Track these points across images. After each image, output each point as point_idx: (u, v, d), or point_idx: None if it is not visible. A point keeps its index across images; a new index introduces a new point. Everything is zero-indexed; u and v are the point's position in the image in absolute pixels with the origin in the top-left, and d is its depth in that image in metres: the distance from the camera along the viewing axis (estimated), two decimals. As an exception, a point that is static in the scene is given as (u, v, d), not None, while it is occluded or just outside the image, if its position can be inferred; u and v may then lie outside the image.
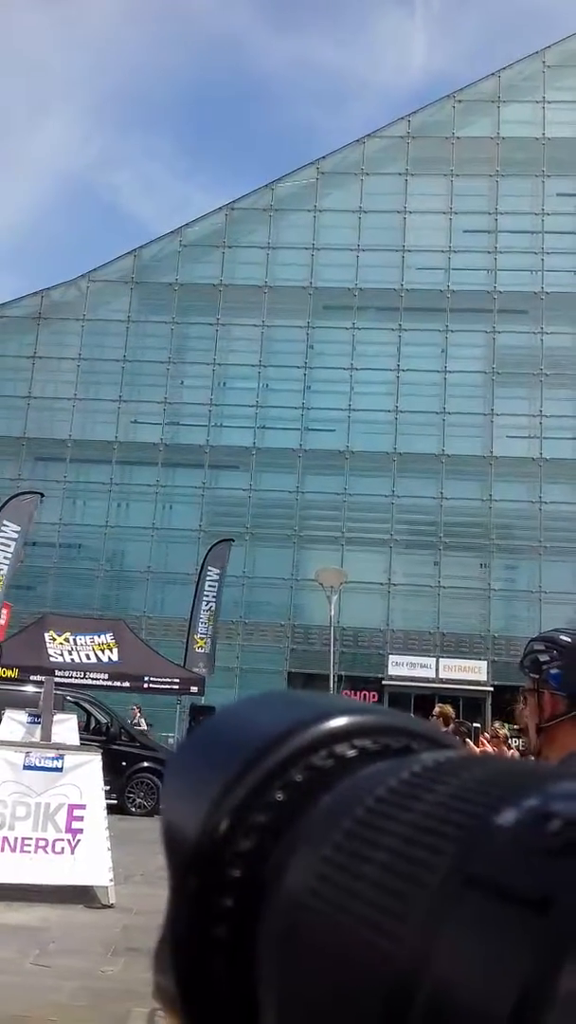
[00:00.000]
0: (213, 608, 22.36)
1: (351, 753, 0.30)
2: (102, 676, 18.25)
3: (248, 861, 0.28)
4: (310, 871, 0.26)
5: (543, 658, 2.06)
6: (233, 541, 21.46)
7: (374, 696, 28.03)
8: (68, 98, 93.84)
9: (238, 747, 0.30)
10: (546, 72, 33.63)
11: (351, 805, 0.27)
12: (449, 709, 11.79)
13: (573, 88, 33.19)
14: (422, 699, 25.65)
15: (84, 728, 13.96)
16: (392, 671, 28.43)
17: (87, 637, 18.88)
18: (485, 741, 10.67)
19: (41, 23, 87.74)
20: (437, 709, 12.00)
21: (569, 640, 2.08)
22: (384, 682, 28.21)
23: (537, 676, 2.05)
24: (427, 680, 27.83)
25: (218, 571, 22.64)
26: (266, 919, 0.27)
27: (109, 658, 18.54)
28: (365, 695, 28.12)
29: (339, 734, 0.30)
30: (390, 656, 28.71)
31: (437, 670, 28.25)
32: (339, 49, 74.78)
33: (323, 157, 34.29)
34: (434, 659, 28.50)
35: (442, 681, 27.70)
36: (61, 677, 15.01)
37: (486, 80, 34.08)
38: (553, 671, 2.02)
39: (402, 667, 28.42)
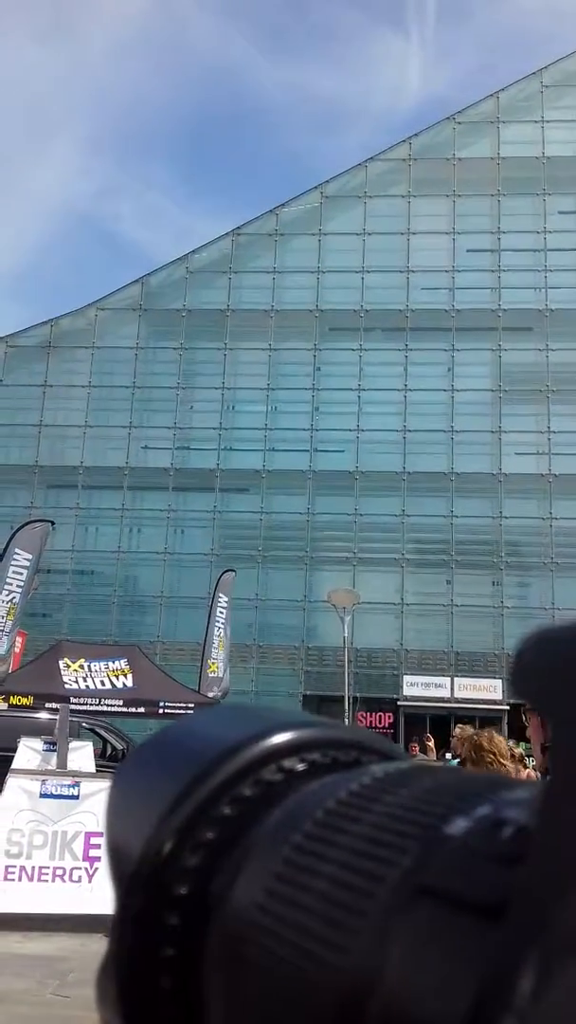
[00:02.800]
0: (222, 634, 22.40)
1: (300, 767, 0.30)
2: (117, 702, 18.27)
3: (195, 878, 0.28)
4: (258, 886, 0.26)
5: None
6: (235, 572, 21.46)
7: (389, 717, 27.95)
8: (71, 129, 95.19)
9: (186, 761, 0.30)
10: (544, 92, 33.94)
11: (300, 819, 0.27)
12: (470, 729, 11.76)
13: (571, 107, 33.48)
14: (438, 719, 25.55)
15: (100, 755, 13.99)
16: (407, 691, 28.33)
17: (101, 663, 18.89)
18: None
19: (43, 57, 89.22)
20: (458, 731, 11.95)
21: None
22: (399, 703, 28.10)
23: None
24: (442, 700, 27.72)
25: (226, 598, 22.71)
26: (213, 937, 0.26)
27: (124, 684, 18.56)
28: (381, 716, 28.05)
29: (288, 748, 0.30)
30: (405, 676, 28.61)
31: (452, 689, 28.13)
32: (337, 74, 75.66)
33: (326, 181, 34.64)
34: (449, 678, 28.39)
35: (457, 701, 27.58)
36: (76, 704, 15.06)
37: (485, 101, 34.43)
38: None
39: (417, 687, 28.32)
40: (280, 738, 0.30)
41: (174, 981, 0.27)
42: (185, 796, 0.29)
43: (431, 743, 12.23)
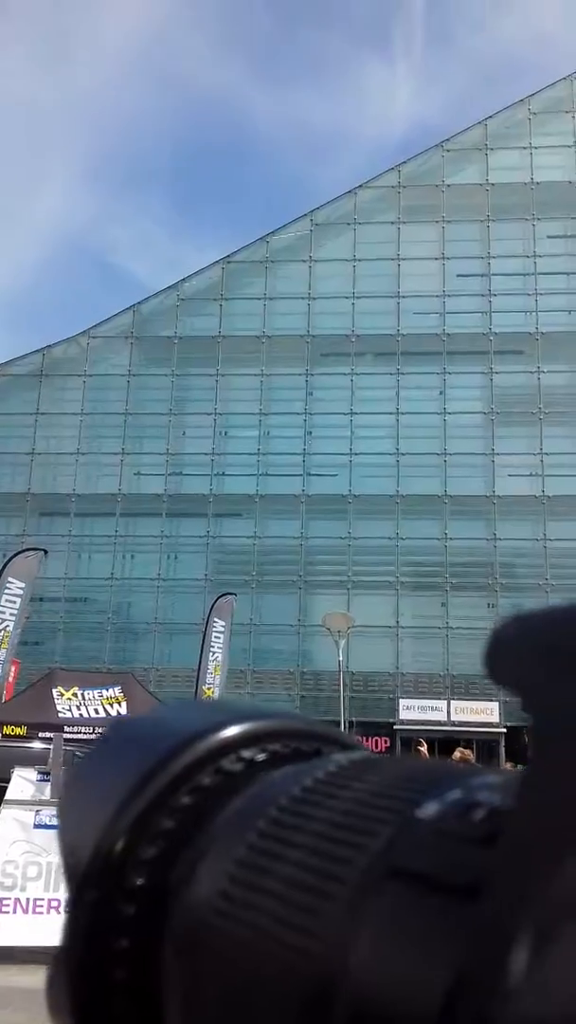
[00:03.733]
0: (219, 659, 22.26)
1: (261, 757, 0.30)
2: (111, 730, 18.10)
3: (153, 868, 0.27)
4: (220, 873, 0.25)
5: None
6: (236, 596, 21.40)
7: (386, 741, 27.73)
8: (65, 158, 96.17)
9: (143, 752, 0.30)
10: (532, 119, 34.44)
11: (264, 806, 0.26)
12: (469, 753, 11.64)
13: (559, 133, 33.98)
14: (435, 742, 25.37)
15: (94, 784, 13.83)
16: (403, 715, 28.16)
17: (95, 691, 18.78)
18: None
19: (40, 85, 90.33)
20: (458, 754, 11.81)
21: None
22: (396, 727, 27.93)
23: None
24: (439, 723, 27.54)
25: (224, 623, 22.59)
26: (172, 926, 0.26)
27: (118, 712, 18.43)
28: (377, 741, 27.83)
29: (248, 738, 0.30)
30: (401, 700, 28.45)
31: (449, 713, 27.97)
32: (326, 103, 76.76)
33: (316, 208, 34.98)
34: (445, 702, 28.24)
35: (454, 724, 27.41)
36: (70, 733, 14.91)
37: (473, 128, 34.90)
38: None
39: (413, 711, 28.15)
40: (239, 728, 0.30)
41: (129, 973, 0.26)
42: (142, 785, 0.28)
43: (423, 748, 11.98)
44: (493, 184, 33.72)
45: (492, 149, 34.22)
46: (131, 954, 0.26)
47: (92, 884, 0.27)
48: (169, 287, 34.98)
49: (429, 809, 0.22)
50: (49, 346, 34.29)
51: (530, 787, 0.19)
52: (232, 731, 0.30)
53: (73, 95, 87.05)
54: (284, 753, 0.30)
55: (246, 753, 0.30)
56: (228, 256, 35.01)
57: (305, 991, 0.20)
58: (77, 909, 0.28)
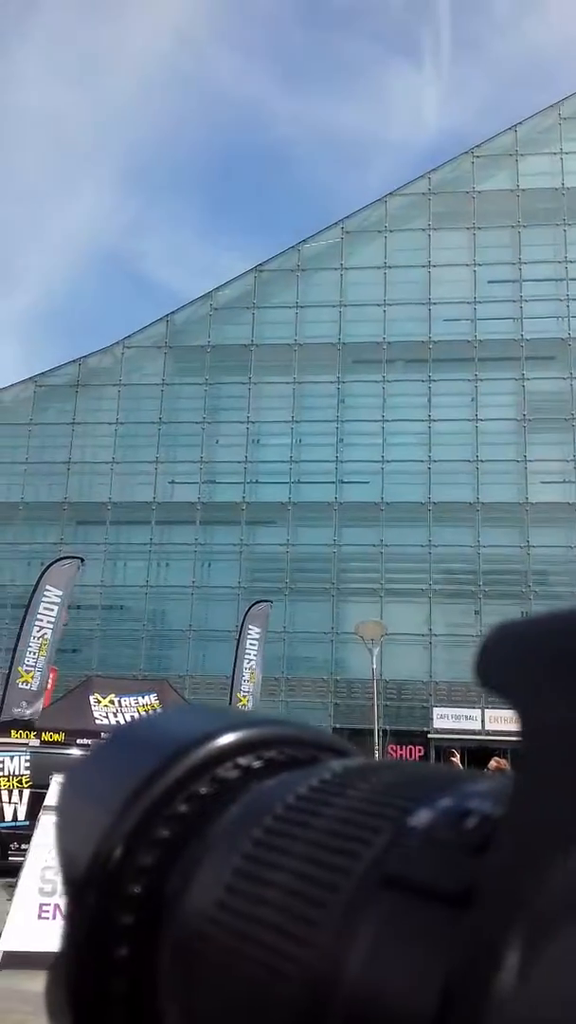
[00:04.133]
0: (254, 666, 22.46)
1: (257, 764, 0.30)
2: (147, 737, 18.37)
3: (150, 877, 0.27)
4: (217, 883, 0.25)
5: None
6: (272, 603, 21.55)
7: (420, 750, 27.73)
8: (96, 169, 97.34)
9: (139, 760, 0.29)
10: (562, 124, 34.33)
11: (260, 814, 0.26)
12: (505, 763, 11.65)
13: (590, 138, 33.83)
14: (469, 752, 25.33)
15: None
16: (437, 724, 28.14)
17: (131, 699, 19.09)
18: None
19: (70, 98, 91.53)
20: (493, 763, 11.77)
21: None
22: (429, 735, 27.91)
23: None
24: (473, 732, 27.49)
25: (259, 630, 22.78)
26: (169, 936, 0.26)
27: (154, 719, 18.66)
28: (411, 749, 27.85)
29: (244, 745, 0.30)
30: (435, 708, 28.44)
31: (483, 721, 27.90)
32: (355, 110, 76.82)
33: (347, 216, 35.15)
34: (479, 710, 28.17)
35: (488, 733, 27.32)
36: (107, 740, 15.21)
37: (503, 135, 34.87)
38: None
39: (447, 719, 28.12)
40: (236, 736, 0.30)
41: (127, 982, 0.26)
42: (139, 794, 0.28)
43: (455, 759, 11.85)
44: (524, 190, 33.65)
45: (522, 155, 34.16)
46: (129, 963, 0.26)
47: (90, 893, 0.27)
48: (202, 296, 35.35)
49: (422, 817, 0.22)
50: (84, 357, 34.81)
51: (520, 796, 0.19)
52: (228, 739, 0.30)
53: (103, 108, 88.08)
54: (280, 760, 0.30)
55: (242, 760, 0.30)
56: (260, 265, 35.30)
57: (300, 1000, 0.20)
58: (75, 918, 0.28)
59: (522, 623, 0.21)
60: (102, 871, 0.27)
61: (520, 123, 34.98)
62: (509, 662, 0.20)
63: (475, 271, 33.12)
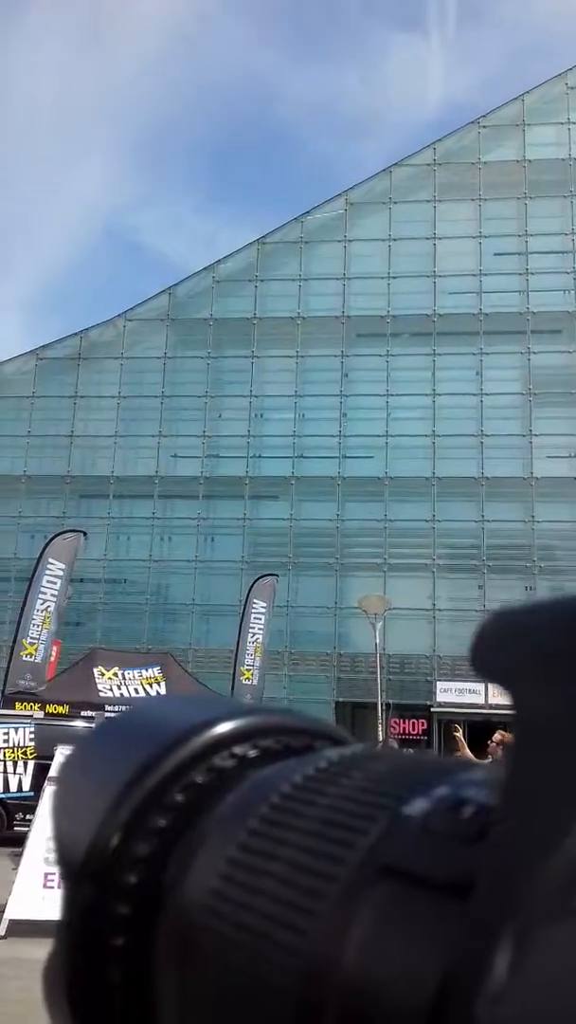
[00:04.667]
0: (259, 640, 22.45)
1: (253, 753, 0.30)
2: (151, 710, 18.37)
3: (146, 866, 0.27)
4: (213, 872, 0.25)
5: None
6: (278, 576, 21.48)
7: (423, 724, 27.80)
8: (97, 141, 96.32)
9: (135, 749, 0.29)
10: (569, 94, 33.81)
11: (255, 804, 0.26)
12: (510, 736, 11.49)
13: (598, 107, 33.34)
14: (472, 725, 25.37)
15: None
16: (440, 698, 28.18)
17: (135, 671, 19.09)
18: None
19: (72, 73, 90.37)
20: (498, 736, 11.62)
21: None
22: (433, 709, 27.96)
23: None
24: (477, 706, 27.53)
25: (264, 604, 22.74)
26: (166, 925, 0.26)
27: (157, 692, 18.70)
28: (414, 723, 27.92)
29: (240, 734, 0.30)
30: (438, 682, 28.46)
31: (486, 695, 27.94)
32: (359, 80, 75.83)
33: (351, 188, 34.72)
34: (483, 684, 28.16)
35: (492, 707, 27.36)
36: (111, 712, 15.21)
37: (509, 104, 34.36)
38: None
39: (450, 693, 28.16)
40: (231, 725, 0.30)
41: (124, 972, 0.26)
42: (135, 783, 0.28)
43: (459, 734, 11.61)
44: (530, 161, 33.20)
45: (529, 125, 33.67)
46: (125, 952, 0.27)
47: (86, 882, 0.27)
48: (204, 269, 35.02)
49: (418, 806, 0.22)
50: (86, 329, 34.55)
51: (515, 785, 0.19)
52: (225, 727, 0.30)
53: (105, 79, 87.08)
54: (276, 749, 0.30)
55: (238, 750, 0.30)
56: (263, 237, 34.92)
57: (297, 989, 0.20)
58: (71, 907, 0.28)
59: (519, 611, 0.21)
60: (99, 860, 0.27)
61: (527, 93, 34.44)
62: (505, 650, 0.20)
63: (480, 243, 32.75)
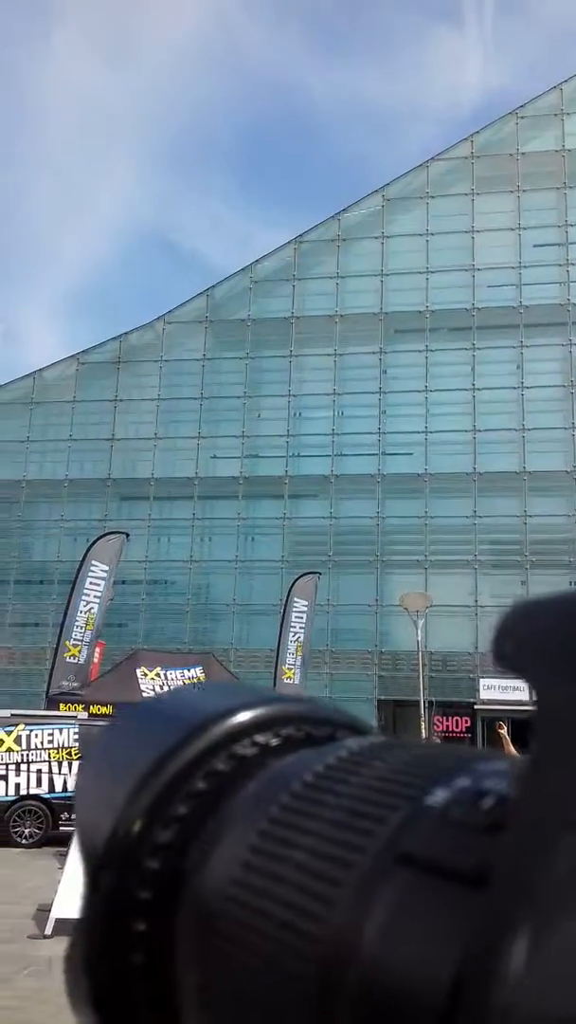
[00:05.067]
0: (301, 639, 22.45)
1: (275, 741, 0.30)
2: (194, 710, 18.48)
3: (168, 853, 0.28)
4: (234, 859, 0.25)
5: None
6: (320, 574, 21.44)
7: (467, 721, 27.59)
8: (133, 145, 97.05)
9: (158, 736, 0.30)
10: (609, 81, 33.27)
11: (277, 792, 0.27)
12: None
13: None
14: (517, 722, 25.10)
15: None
16: (484, 695, 27.92)
17: (177, 672, 19.21)
18: None
19: (104, 81, 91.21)
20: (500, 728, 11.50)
21: None
22: (476, 707, 27.72)
23: None
24: (521, 703, 27.23)
25: (305, 603, 22.74)
26: (187, 911, 0.26)
27: (200, 692, 18.76)
28: (457, 720, 27.72)
29: (262, 722, 0.30)
30: (481, 680, 28.20)
31: (531, 692, 27.62)
32: (393, 75, 75.44)
33: (388, 184, 34.55)
34: (527, 681, 27.87)
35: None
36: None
37: (548, 94, 33.89)
38: None
39: (494, 690, 27.87)
40: (253, 713, 0.30)
41: (146, 957, 0.27)
42: (157, 770, 0.29)
43: (503, 731, 11.43)
44: (569, 150, 32.72)
45: (568, 114, 33.17)
46: (147, 938, 0.27)
47: (109, 868, 0.28)
48: (241, 270, 35.11)
49: (438, 796, 0.22)
50: (125, 333, 34.86)
51: (534, 776, 0.19)
52: (246, 716, 0.30)
53: (138, 85, 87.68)
54: (297, 738, 0.30)
55: (260, 738, 0.30)
56: (300, 236, 34.90)
57: (315, 976, 0.20)
58: (94, 893, 0.28)
59: (540, 602, 0.20)
60: (121, 846, 0.28)
61: (565, 81, 33.94)
62: (525, 641, 0.20)
63: (520, 235, 32.37)
